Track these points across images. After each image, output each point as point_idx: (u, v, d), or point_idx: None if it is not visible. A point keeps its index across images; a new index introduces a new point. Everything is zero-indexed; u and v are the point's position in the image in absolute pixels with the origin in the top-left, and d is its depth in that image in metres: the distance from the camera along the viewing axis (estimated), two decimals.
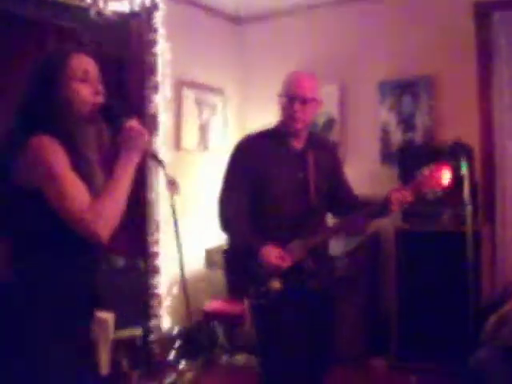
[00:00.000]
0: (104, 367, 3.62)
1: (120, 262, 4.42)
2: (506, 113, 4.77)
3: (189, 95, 5.41)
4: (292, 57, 5.52)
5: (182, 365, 4.87)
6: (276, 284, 2.89)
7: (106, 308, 3.97)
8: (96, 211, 1.94)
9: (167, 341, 4.89)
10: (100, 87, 2.14)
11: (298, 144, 3.11)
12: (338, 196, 3.24)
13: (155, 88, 4.88)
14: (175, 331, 4.97)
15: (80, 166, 2.02)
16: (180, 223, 5.10)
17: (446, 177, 2.92)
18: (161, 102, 4.92)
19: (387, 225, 4.81)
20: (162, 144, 4.90)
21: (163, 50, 4.93)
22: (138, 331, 4.41)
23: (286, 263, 2.88)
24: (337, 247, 4.70)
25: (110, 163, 2.10)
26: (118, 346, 4.31)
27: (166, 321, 4.91)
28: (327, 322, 3.20)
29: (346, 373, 4.58)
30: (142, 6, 4.76)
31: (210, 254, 5.18)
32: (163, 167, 2.32)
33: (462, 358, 4.13)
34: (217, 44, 5.85)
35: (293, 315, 2.98)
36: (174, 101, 5.19)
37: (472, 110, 4.92)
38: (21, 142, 1.95)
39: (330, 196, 3.20)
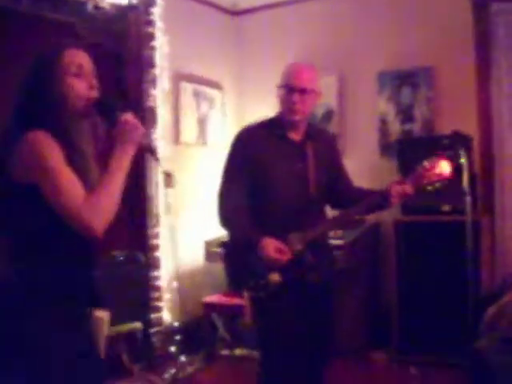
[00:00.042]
0: None
1: (120, 255, 4.42)
2: (504, 103, 4.77)
3: (187, 88, 5.40)
4: (290, 48, 5.51)
5: (183, 358, 4.88)
6: (275, 277, 2.88)
7: (106, 303, 3.96)
8: (91, 205, 1.94)
9: (168, 334, 4.90)
10: (94, 81, 2.13)
11: (296, 135, 3.10)
12: (337, 188, 3.23)
13: (153, 81, 4.89)
14: (176, 324, 4.98)
15: (75, 160, 2.02)
16: (179, 216, 5.16)
17: (445, 169, 2.92)
18: (159, 95, 4.92)
19: (387, 216, 4.81)
20: (160, 138, 4.90)
21: (161, 43, 4.93)
22: (138, 325, 4.41)
23: (286, 256, 2.87)
24: (336, 239, 4.71)
25: (105, 157, 2.10)
26: (119, 339, 4.32)
27: (166, 314, 4.92)
28: (327, 314, 3.20)
29: (347, 365, 4.59)
30: None
31: (209, 245, 5.18)
32: (158, 160, 2.31)
33: (462, 349, 4.15)
34: (214, 37, 5.84)
35: (292, 308, 2.98)
36: (172, 94, 5.19)
37: (471, 100, 4.91)
38: (16, 137, 1.95)
39: (329, 188, 3.20)
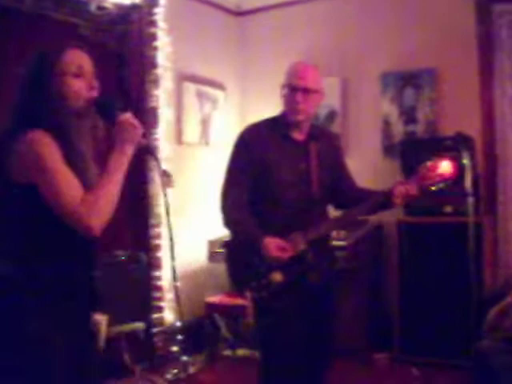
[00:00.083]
0: None
1: (122, 255, 4.42)
2: (507, 104, 4.77)
3: (190, 89, 5.40)
4: (293, 49, 5.50)
5: (185, 358, 4.88)
6: (277, 276, 2.88)
7: (106, 304, 3.97)
8: (88, 204, 1.94)
9: (170, 334, 4.90)
10: (94, 82, 2.14)
11: (300, 135, 3.09)
12: (340, 188, 3.22)
13: (156, 82, 4.89)
14: (178, 324, 4.98)
15: (73, 159, 2.02)
16: (182, 216, 5.16)
17: (448, 169, 2.92)
18: (162, 95, 4.93)
19: (389, 217, 4.80)
20: (163, 138, 4.90)
21: (164, 44, 4.93)
22: (140, 325, 4.41)
23: (287, 254, 2.87)
24: (339, 240, 4.71)
25: (105, 157, 2.10)
26: (121, 339, 4.32)
27: (168, 314, 4.92)
28: (328, 315, 3.19)
29: (349, 366, 4.58)
30: None
31: (212, 245, 5.18)
32: (157, 160, 2.31)
33: (464, 350, 4.15)
34: (218, 37, 5.84)
35: (294, 308, 2.97)
36: (174, 94, 5.19)
37: (473, 102, 4.92)
38: (15, 137, 1.96)
39: (333, 188, 3.19)
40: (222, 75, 5.86)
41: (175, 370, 4.69)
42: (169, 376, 4.60)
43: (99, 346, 3.61)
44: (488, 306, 3.79)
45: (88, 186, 2.02)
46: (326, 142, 3.18)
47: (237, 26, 6.11)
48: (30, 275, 2.01)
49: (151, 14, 4.88)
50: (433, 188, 2.95)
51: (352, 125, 5.56)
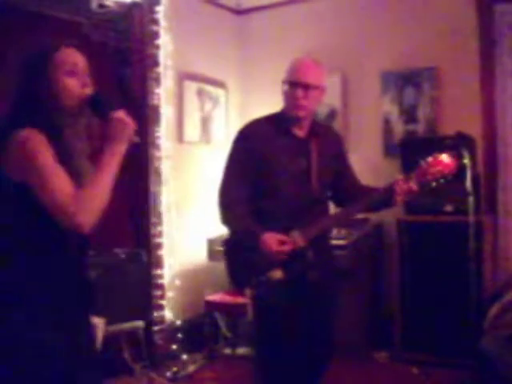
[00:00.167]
0: None
1: (123, 253, 4.42)
2: (508, 104, 4.78)
3: (191, 87, 5.40)
4: (294, 48, 5.49)
5: (185, 356, 4.89)
6: (278, 273, 2.87)
7: (101, 304, 3.97)
8: (79, 201, 1.94)
9: (170, 332, 4.90)
10: (88, 80, 2.14)
11: (301, 132, 3.08)
12: (343, 186, 3.22)
13: (157, 80, 4.89)
14: (178, 323, 4.98)
15: (66, 157, 2.03)
16: (183, 215, 5.18)
17: (449, 165, 2.92)
18: (163, 93, 4.93)
19: (390, 216, 4.81)
20: (164, 136, 4.91)
21: (165, 42, 4.93)
22: (140, 323, 4.42)
23: (287, 248, 2.86)
24: (339, 239, 4.71)
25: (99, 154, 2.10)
26: (121, 337, 4.32)
27: (168, 312, 4.93)
28: (327, 313, 3.20)
29: (349, 365, 4.58)
30: None
31: (212, 244, 5.18)
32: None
33: (464, 349, 4.16)
34: (219, 36, 5.84)
35: (293, 306, 2.98)
36: (175, 93, 5.19)
37: (474, 101, 4.92)
38: (6, 135, 1.97)
39: (335, 186, 3.19)
40: (222, 73, 5.86)
41: (175, 369, 4.69)
42: (169, 374, 4.61)
43: (97, 349, 3.61)
44: (488, 305, 3.80)
45: (81, 183, 2.02)
46: (328, 139, 3.17)
47: (238, 25, 6.11)
48: (20, 274, 2.02)
49: (152, 12, 4.88)
50: (433, 184, 2.95)
51: (352, 124, 5.56)
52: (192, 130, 5.43)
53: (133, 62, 4.86)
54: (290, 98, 3.02)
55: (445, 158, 2.93)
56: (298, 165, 3.03)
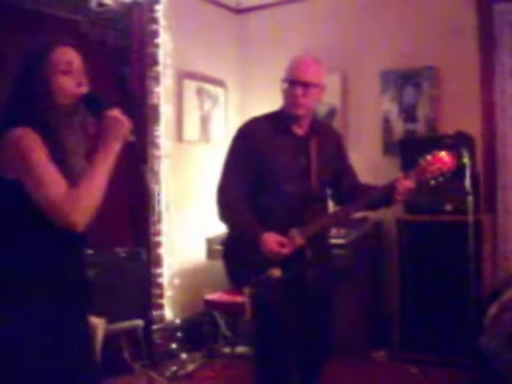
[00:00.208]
0: None
1: (122, 252, 4.42)
2: (507, 103, 4.78)
3: (190, 86, 5.40)
4: (294, 47, 5.47)
5: (184, 355, 4.89)
6: (276, 272, 2.87)
7: (108, 299, 3.97)
8: (72, 200, 1.94)
9: (169, 331, 4.90)
10: (84, 79, 2.14)
11: (300, 130, 3.07)
12: (342, 183, 3.21)
13: (156, 79, 4.89)
14: (177, 322, 4.98)
15: (60, 156, 2.03)
16: (182, 214, 5.18)
17: (448, 162, 2.92)
18: (162, 92, 4.93)
19: (389, 215, 4.81)
20: (163, 135, 4.91)
21: (165, 41, 4.93)
22: (139, 322, 4.42)
23: (286, 250, 2.86)
24: (338, 238, 4.71)
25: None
26: (120, 336, 4.32)
27: (167, 311, 4.93)
28: (326, 312, 3.20)
29: (348, 364, 4.58)
30: None
31: (211, 243, 5.18)
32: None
33: (463, 348, 4.16)
34: (218, 35, 5.83)
35: (292, 305, 2.98)
36: (175, 92, 5.19)
37: (474, 100, 4.92)
38: (2, 134, 1.97)
39: (335, 184, 3.19)
40: (222, 72, 5.86)
41: (174, 367, 4.69)
42: (168, 373, 4.60)
43: (97, 350, 3.60)
44: (487, 304, 3.80)
45: (76, 182, 2.02)
46: (328, 138, 3.17)
47: (237, 24, 6.11)
48: (13, 273, 2.02)
49: (152, 10, 4.88)
50: (432, 182, 2.95)
51: (352, 123, 5.56)
52: (191, 128, 5.43)
53: (132, 60, 4.86)
54: (289, 96, 3.02)
55: (444, 155, 2.93)
56: (297, 163, 3.02)
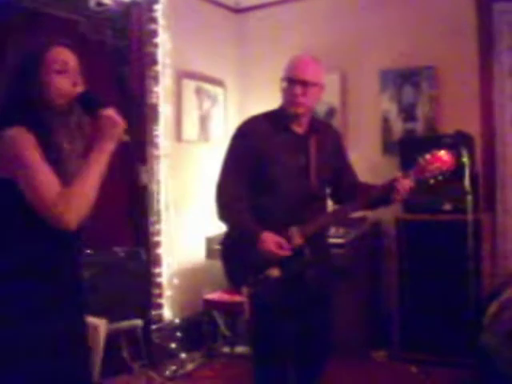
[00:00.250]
0: (95, 376, 3.51)
1: (121, 251, 4.42)
2: (507, 102, 4.79)
3: (189, 86, 5.40)
4: (293, 46, 5.48)
5: (183, 355, 4.89)
6: (275, 272, 2.86)
7: (107, 299, 3.97)
8: (65, 199, 1.94)
9: (168, 331, 4.90)
10: (79, 78, 2.14)
11: (299, 129, 3.07)
12: (341, 182, 3.20)
13: (155, 78, 4.89)
14: (176, 321, 4.98)
15: (54, 156, 2.03)
16: (181, 213, 5.18)
17: (447, 161, 2.91)
18: (161, 92, 4.93)
19: (388, 215, 4.81)
20: (162, 135, 4.91)
21: (164, 41, 4.93)
22: (139, 321, 4.41)
23: (285, 251, 2.86)
24: (337, 238, 4.71)
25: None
26: (119, 336, 4.32)
27: (167, 311, 4.93)
28: (325, 312, 3.20)
29: (348, 364, 4.58)
30: None
31: (210, 242, 5.18)
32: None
33: (463, 347, 4.16)
34: (217, 34, 5.83)
35: (291, 304, 2.98)
36: (174, 91, 5.19)
37: (473, 100, 4.92)
38: None
39: (334, 183, 3.18)
40: (221, 72, 5.85)
41: (174, 367, 4.70)
42: (167, 373, 4.61)
43: (99, 350, 3.59)
44: (487, 303, 3.80)
45: (69, 181, 2.02)
46: (327, 136, 3.16)
47: (236, 23, 6.11)
48: (6, 273, 2.02)
49: (151, 10, 4.88)
50: (431, 181, 2.94)
51: (351, 122, 5.56)
52: (190, 128, 5.43)
53: (131, 60, 4.86)
54: (288, 94, 3.01)
55: (443, 154, 2.92)
56: (296, 161, 3.02)
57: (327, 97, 4.76)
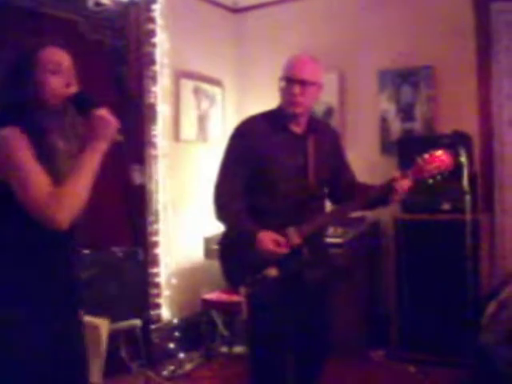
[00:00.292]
0: (96, 377, 3.51)
1: (119, 251, 4.41)
2: (504, 102, 4.78)
3: (187, 85, 5.40)
4: (291, 46, 5.47)
5: (182, 355, 4.89)
6: (273, 271, 2.86)
7: (105, 299, 3.97)
8: (56, 199, 1.94)
9: (167, 331, 4.90)
10: (73, 79, 2.14)
11: (297, 128, 3.07)
12: (339, 182, 3.20)
13: (154, 78, 4.89)
14: (175, 321, 4.98)
15: (47, 157, 2.03)
16: (179, 213, 5.17)
17: (445, 161, 2.91)
18: (159, 92, 4.93)
19: (386, 214, 4.82)
20: (161, 135, 4.91)
21: (162, 40, 4.93)
22: (137, 321, 4.41)
23: (283, 249, 2.85)
24: (335, 237, 4.71)
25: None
26: (118, 336, 4.31)
27: (165, 311, 4.93)
28: (323, 311, 3.19)
29: (345, 364, 4.58)
30: None
31: (208, 242, 5.17)
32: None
33: (461, 347, 4.16)
34: (215, 34, 5.83)
35: (289, 305, 2.97)
36: (172, 91, 5.19)
37: (471, 99, 4.92)
38: None
39: (332, 183, 3.18)
40: (219, 72, 5.85)
41: (172, 367, 4.70)
42: (166, 373, 4.61)
43: (101, 350, 3.59)
44: (485, 303, 3.81)
45: (63, 182, 2.02)
46: (325, 136, 3.16)
47: (234, 23, 6.11)
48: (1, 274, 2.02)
49: (149, 10, 4.87)
50: (430, 181, 2.94)
51: (349, 122, 5.56)
52: (188, 128, 5.42)
53: (129, 60, 4.85)
54: (286, 94, 3.01)
55: (441, 154, 2.92)
56: (294, 161, 3.02)
57: (325, 96, 4.77)
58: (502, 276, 4.53)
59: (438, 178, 2.92)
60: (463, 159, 3.95)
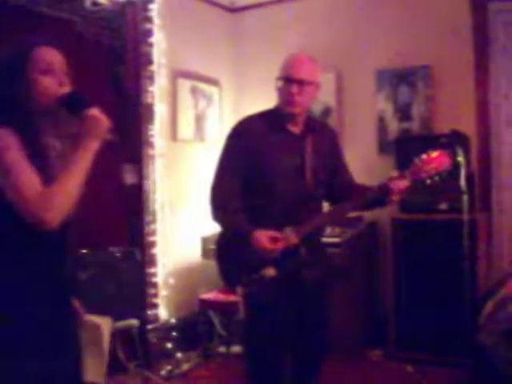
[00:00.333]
0: (98, 377, 3.49)
1: (117, 251, 4.41)
2: (502, 102, 4.79)
3: (184, 85, 5.39)
4: (288, 46, 5.47)
5: (179, 355, 4.89)
6: (270, 271, 2.85)
7: (102, 299, 3.96)
8: (46, 198, 1.93)
9: (164, 331, 4.90)
10: (65, 78, 2.13)
11: (295, 128, 3.05)
12: (337, 183, 3.19)
13: (151, 78, 4.89)
14: (172, 321, 4.98)
15: (37, 156, 2.01)
16: (177, 213, 5.17)
17: (444, 162, 2.91)
18: (157, 91, 4.93)
19: (384, 214, 4.81)
20: (158, 135, 4.90)
21: (159, 40, 4.93)
22: (134, 321, 4.41)
23: (280, 245, 2.83)
24: (333, 237, 4.71)
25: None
26: (115, 336, 4.31)
27: (162, 311, 4.92)
28: (321, 311, 3.19)
29: (344, 363, 4.58)
30: None
31: (206, 242, 5.17)
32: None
33: (459, 347, 4.16)
34: (212, 34, 5.83)
35: (286, 305, 2.97)
36: (169, 91, 5.18)
37: (468, 99, 4.92)
38: None
39: (329, 183, 3.17)
40: (216, 71, 5.85)
41: (169, 367, 4.69)
42: (163, 373, 4.60)
43: (103, 349, 3.58)
44: (482, 302, 3.81)
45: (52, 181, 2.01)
46: (323, 136, 3.14)
47: (231, 22, 6.10)
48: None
49: (146, 10, 4.87)
50: (428, 181, 2.94)
51: (347, 121, 5.56)
52: (186, 127, 5.42)
53: (126, 59, 4.85)
54: (284, 94, 2.99)
55: (439, 155, 2.91)
56: (292, 161, 3.00)
57: (323, 96, 4.77)
58: (500, 276, 4.53)
59: (436, 178, 2.91)
60: (460, 159, 3.95)
